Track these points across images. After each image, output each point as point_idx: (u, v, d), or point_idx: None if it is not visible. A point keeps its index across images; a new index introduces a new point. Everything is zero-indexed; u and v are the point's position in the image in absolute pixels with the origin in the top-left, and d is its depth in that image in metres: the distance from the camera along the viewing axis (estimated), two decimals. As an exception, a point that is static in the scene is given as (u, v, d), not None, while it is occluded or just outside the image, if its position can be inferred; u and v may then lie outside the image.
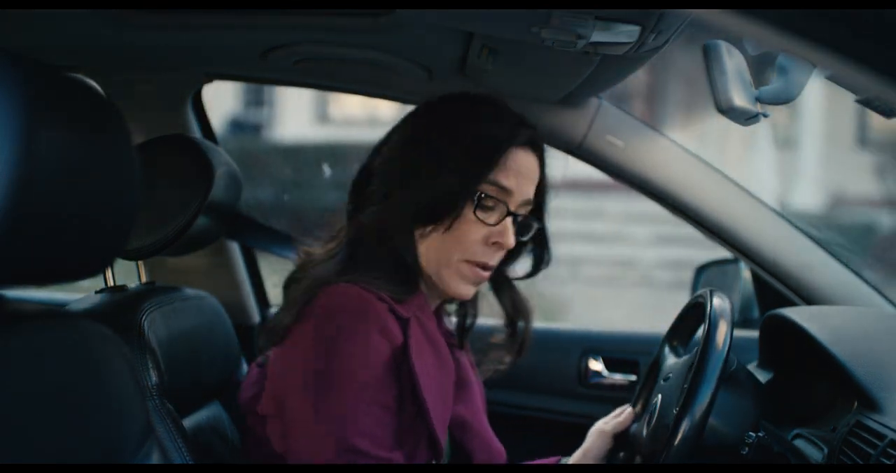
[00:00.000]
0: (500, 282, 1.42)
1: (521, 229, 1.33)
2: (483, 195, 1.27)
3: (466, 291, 1.31)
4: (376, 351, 1.19)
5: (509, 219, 1.29)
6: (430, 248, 1.29)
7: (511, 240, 1.29)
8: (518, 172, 1.29)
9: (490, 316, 1.46)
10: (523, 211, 1.33)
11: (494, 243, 1.29)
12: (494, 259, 1.30)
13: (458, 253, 1.28)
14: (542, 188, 1.35)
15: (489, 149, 1.27)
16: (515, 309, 1.43)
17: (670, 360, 1.41)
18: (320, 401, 1.17)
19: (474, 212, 1.27)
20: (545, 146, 1.35)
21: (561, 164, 1.45)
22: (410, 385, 1.21)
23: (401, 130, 1.35)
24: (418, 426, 1.23)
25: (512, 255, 1.38)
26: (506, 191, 1.28)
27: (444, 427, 1.28)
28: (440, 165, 1.26)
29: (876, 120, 8.79)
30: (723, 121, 1.21)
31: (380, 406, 1.18)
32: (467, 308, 1.46)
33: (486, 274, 1.31)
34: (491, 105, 1.33)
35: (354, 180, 1.37)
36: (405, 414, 1.21)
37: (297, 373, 1.20)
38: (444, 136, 1.28)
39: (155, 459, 0.97)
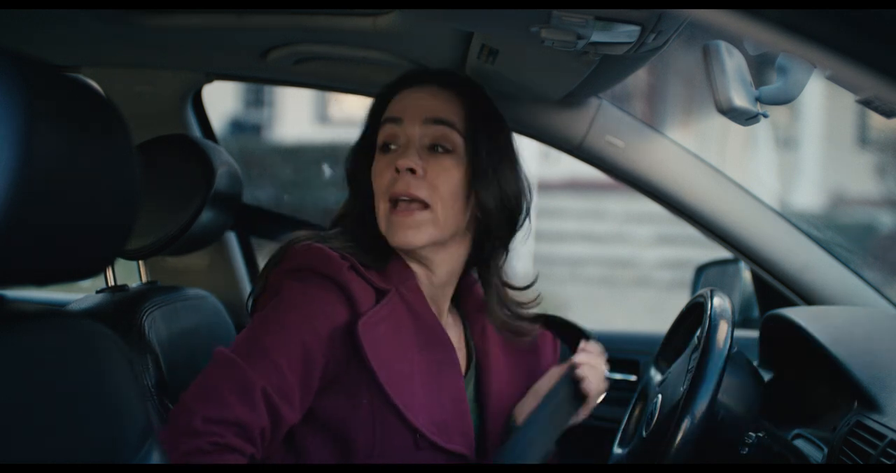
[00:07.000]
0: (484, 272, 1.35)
1: (433, 145, 1.26)
2: (373, 138, 1.28)
3: (404, 237, 1.23)
4: (323, 305, 1.17)
5: (406, 142, 1.26)
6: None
7: (403, 160, 1.23)
8: (403, 104, 1.28)
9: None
10: (432, 130, 1.26)
11: (396, 168, 1.24)
12: (397, 185, 1.23)
13: (377, 196, 1.26)
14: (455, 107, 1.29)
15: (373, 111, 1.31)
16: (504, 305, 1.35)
17: (657, 378, 1.42)
18: (247, 334, 1.19)
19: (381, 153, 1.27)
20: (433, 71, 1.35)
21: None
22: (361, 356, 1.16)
23: None
24: (378, 401, 1.18)
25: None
26: (394, 120, 1.27)
27: (432, 407, 1.22)
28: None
29: (876, 120, 8.80)
30: (723, 121, 1.20)
31: (293, 358, 1.15)
32: (489, 271, 1.34)
33: (403, 207, 1.23)
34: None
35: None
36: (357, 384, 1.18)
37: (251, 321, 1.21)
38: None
39: (155, 459, 0.97)
